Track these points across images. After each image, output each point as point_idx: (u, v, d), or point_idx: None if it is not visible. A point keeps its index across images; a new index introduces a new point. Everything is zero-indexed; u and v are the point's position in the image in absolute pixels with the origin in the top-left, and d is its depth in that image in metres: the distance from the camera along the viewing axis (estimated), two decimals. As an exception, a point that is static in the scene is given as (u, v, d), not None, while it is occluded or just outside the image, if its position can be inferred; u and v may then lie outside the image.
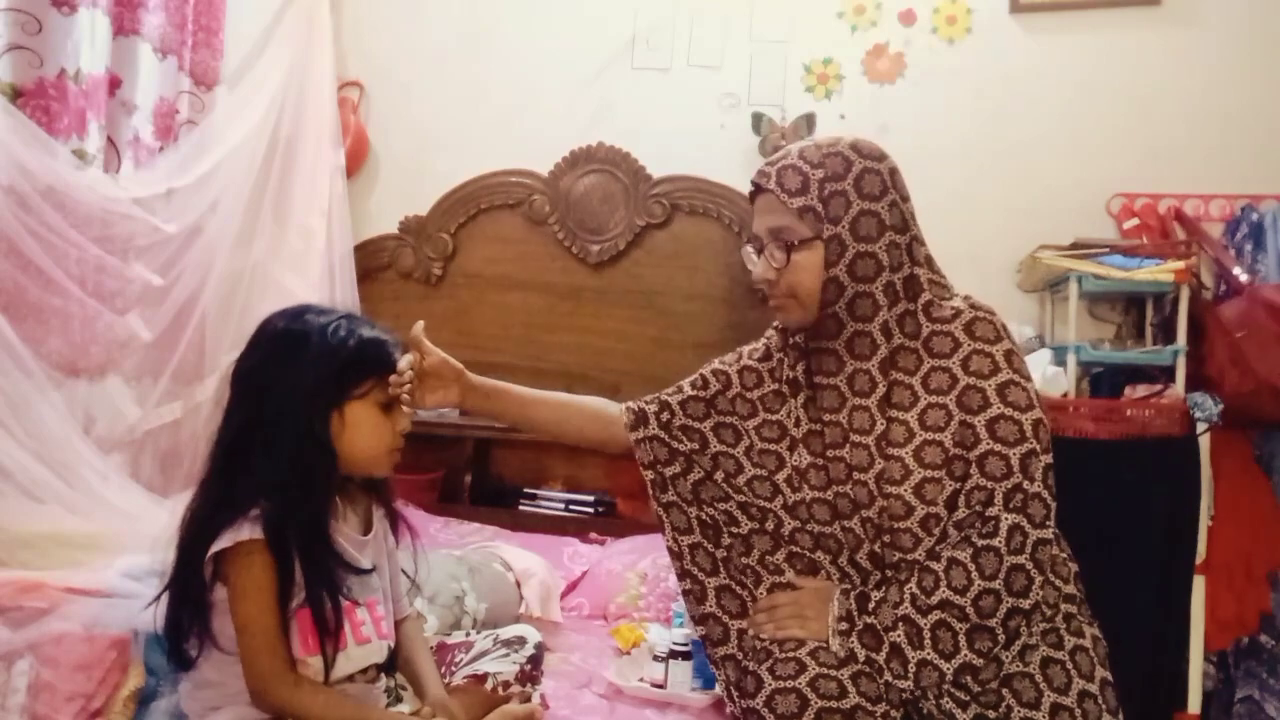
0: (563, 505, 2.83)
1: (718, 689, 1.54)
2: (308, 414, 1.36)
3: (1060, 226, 2.62)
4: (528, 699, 1.56)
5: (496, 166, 3.00)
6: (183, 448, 2.44)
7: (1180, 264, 2.38)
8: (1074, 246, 2.52)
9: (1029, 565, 1.30)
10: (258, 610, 1.31)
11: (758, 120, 2.91)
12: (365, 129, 3.09)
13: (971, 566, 1.30)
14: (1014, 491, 1.32)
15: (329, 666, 1.35)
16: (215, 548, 1.31)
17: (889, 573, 1.38)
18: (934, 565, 1.32)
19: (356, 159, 3.05)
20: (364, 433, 1.40)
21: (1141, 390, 2.38)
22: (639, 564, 2.43)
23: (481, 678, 1.52)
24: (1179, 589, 2.28)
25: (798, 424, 1.49)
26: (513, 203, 2.99)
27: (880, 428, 1.39)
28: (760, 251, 1.44)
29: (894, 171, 1.42)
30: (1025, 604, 1.31)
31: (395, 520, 1.54)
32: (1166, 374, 2.40)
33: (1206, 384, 2.37)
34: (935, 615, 1.30)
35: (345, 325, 1.41)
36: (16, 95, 2.05)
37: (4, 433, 1.87)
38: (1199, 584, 2.29)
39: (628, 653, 2.01)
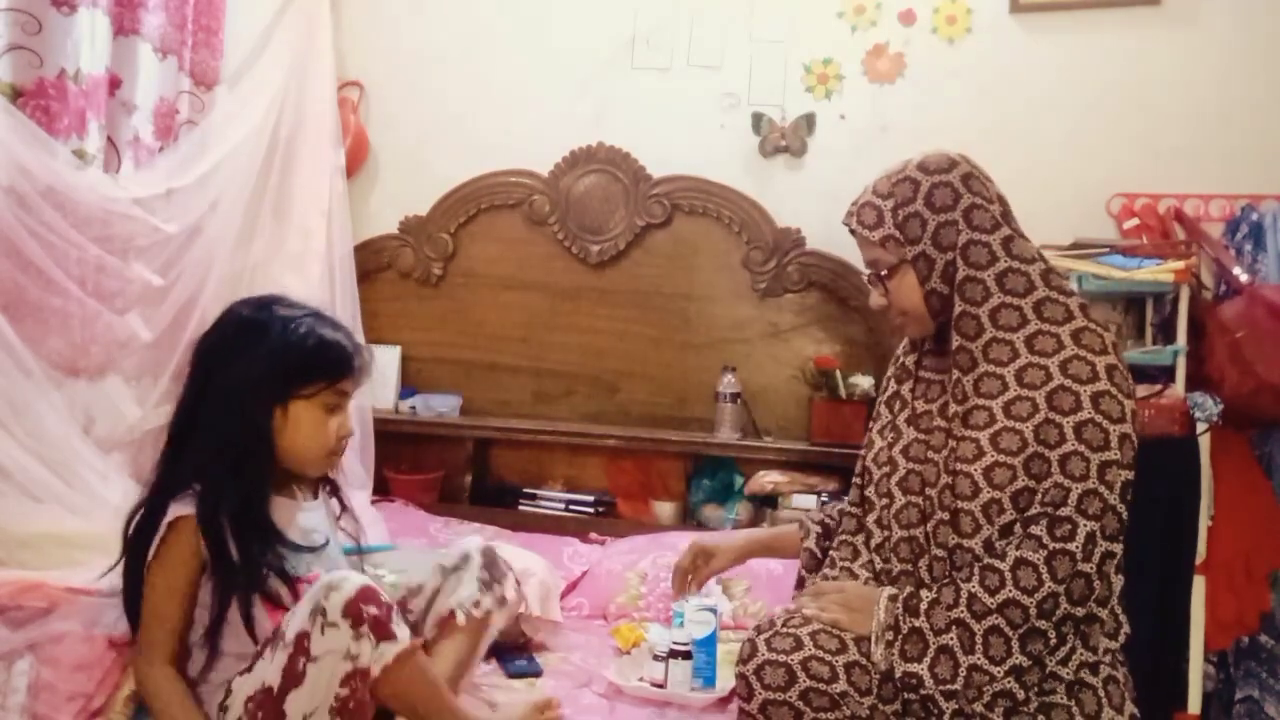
0: (563, 505, 2.83)
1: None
2: (250, 403, 1.36)
3: (1060, 226, 2.61)
4: (503, 602, 1.57)
5: (496, 166, 3.00)
6: (182, 448, 2.44)
7: (1180, 264, 2.37)
8: (1074, 246, 2.51)
9: (1094, 575, 1.32)
10: (164, 583, 1.34)
11: (758, 120, 2.91)
12: (365, 129, 3.09)
13: (1044, 569, 1.31)
14: (1090, 496, 1.33)
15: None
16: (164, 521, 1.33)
17: (940, 553, 1.40)
18: (998, 564, 1.33)
19: (356, 159, 3.05)
20: (304, 433, 1.41)
21: (1141, 390, 2.37)
22: (639, 564, 2.43)
23: (452, 618, 1.51)
24: (1179, 589, 2.28)
25: (903, 408, 1.55)
26: (513, 203, 2.99)
27: (959, 413, 1.43)
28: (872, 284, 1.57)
29: (968, 177, 1.48)
30: (1079, 612, 1.33)
31: (343, 507, 1.55)
32: (1166, 374, 2.39)
33: (1206, 384, 2.37)
34: (991, 620, 1.31)
35: (308, 323, 1.41)
36: (16, 95, 2.04)
37: (4, 433, 1.87)
38: (1199, 584, 2.29)
39: (628, 653, 2.01)
